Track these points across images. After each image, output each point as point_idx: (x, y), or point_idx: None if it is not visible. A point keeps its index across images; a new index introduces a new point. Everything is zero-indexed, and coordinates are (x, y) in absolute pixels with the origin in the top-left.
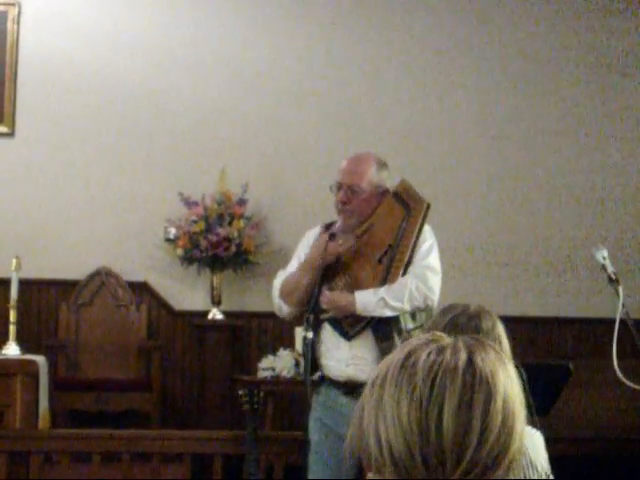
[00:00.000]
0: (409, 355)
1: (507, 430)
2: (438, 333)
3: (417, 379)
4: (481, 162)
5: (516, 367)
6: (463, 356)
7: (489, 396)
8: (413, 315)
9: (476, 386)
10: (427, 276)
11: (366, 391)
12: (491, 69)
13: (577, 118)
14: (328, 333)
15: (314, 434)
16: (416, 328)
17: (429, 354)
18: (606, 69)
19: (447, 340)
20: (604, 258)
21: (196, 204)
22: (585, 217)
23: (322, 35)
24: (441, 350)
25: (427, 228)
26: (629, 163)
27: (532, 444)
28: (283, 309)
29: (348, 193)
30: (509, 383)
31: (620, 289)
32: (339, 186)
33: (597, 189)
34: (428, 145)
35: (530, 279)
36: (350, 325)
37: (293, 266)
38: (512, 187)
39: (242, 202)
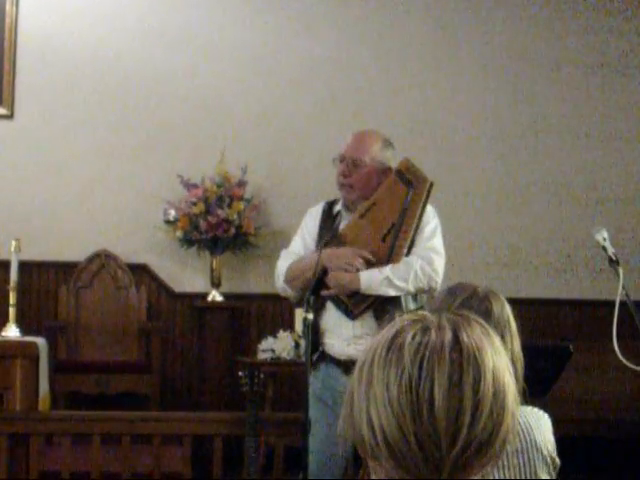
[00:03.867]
0: (394, 337)
1: (499, 404)
2: (421, 312)
3: (404, 362)
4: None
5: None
6: (448, 334)
7: (478, 372)
8: (414, 296)
9: (464, 364)
10: (432, 258)
11: (354, 375)
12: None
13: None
14: (331, 311)
15: (312, 410)
16: (417, 309)
17: (414, 335)
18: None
19: (431, 318)
20: (604, 239)
21: (195, 186)
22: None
23: (323, 20)
24: (426, 330)
25: (431, 208)
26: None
27: (538, 426)
28: (287, 292)
29: (350, 166)
30: (497, 356)
31: (620, 270)
32: (341, 158)
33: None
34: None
35: (531, 261)
36: (354, 304)
37: (296, 245)
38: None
39: (241, 184)
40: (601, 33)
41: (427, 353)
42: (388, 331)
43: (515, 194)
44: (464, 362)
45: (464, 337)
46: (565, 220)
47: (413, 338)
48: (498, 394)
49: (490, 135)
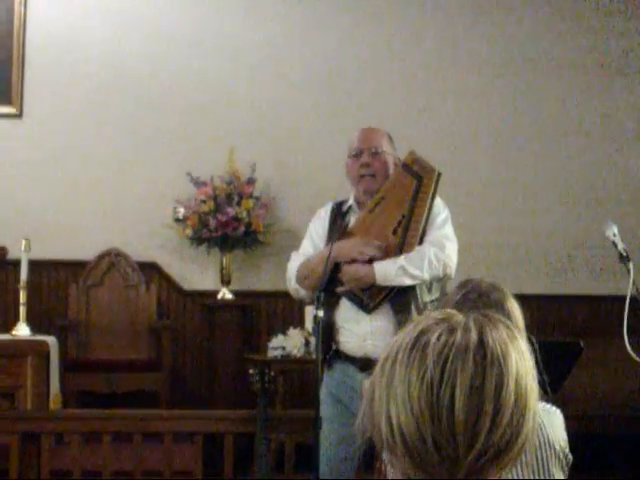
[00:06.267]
0: (420, 336)
1: (520, 411)
2: (449, 310)
3: (428, 362)
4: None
5: (529, 339)
6: (474, 336)
7: (501, 378)
8: (429, 288)
9: (487, 368)
10: (445, 244)
11: (376, 371)
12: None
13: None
14: (346, 309)
15: (326, 409)
16: (432, 301)
17: (440, 335)
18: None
19: (458, 318)
20: (614, 235)
21: (205, 184)
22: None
23: (329, 17)
24: (452, 330)
25: (440, 200)
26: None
27: (550, 422)
28: (300, 293)
29: (371, 156)
30: (521, 360)
31: (631, 266)
32: (359, 152)
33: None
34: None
35: (541, 256)
36: (370, 297)
37: (306, 246)
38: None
39: (251, 182)
40: (601, 33)
41: (451, 355)
42: (414, 328)
43: (517, 192)
44: (487, 366)
45: (489, 340)
46: (570, 217)
47: (438, 339)
48: (519, 401)
49: (491, 134)
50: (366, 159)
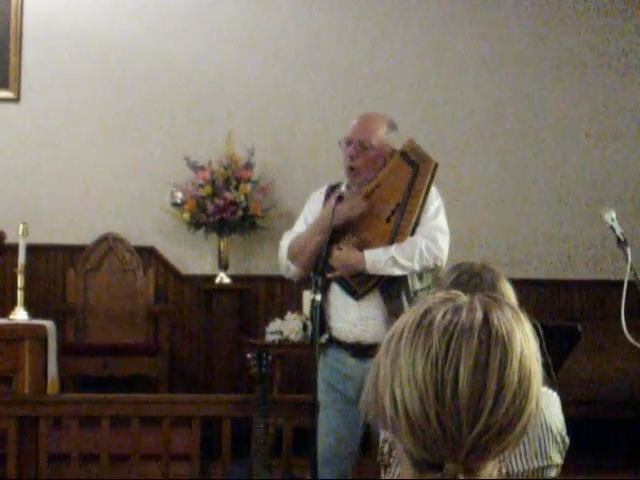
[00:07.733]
0: (425, 314)
1: (523, 391)
2: (454, 291)
3: (433, 339)
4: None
5: (534, 325)
6: (479, 315)
7: (505, 357)
8: (420, 276)
9: (492, 346)
10: (437, 236)
11: (382, 349)
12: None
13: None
14: (336, 294)
15: (322, 396)
16: (423, 289)
17: (445, 314)
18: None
19: (463, 299)
20: (612, 219)
21: (203, 168)
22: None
23: (327, 2)
24: (457, 309)
25: (434, 189)
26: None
27: (547, 405)
28: (291, 270)
29: (357, 148)
30: (525, 342)
31: (629, 250)
32: (348, 141)
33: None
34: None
35: (538, 241)
36: (359, 284)
37: (299, 227)
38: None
39: (249, 166)
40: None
41: (456, 333)
42: (419, 307)
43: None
44: (492, 345)
45: (494, 320)
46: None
47: (443, 317)
48: (523, 381)
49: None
50: (352, 151)
